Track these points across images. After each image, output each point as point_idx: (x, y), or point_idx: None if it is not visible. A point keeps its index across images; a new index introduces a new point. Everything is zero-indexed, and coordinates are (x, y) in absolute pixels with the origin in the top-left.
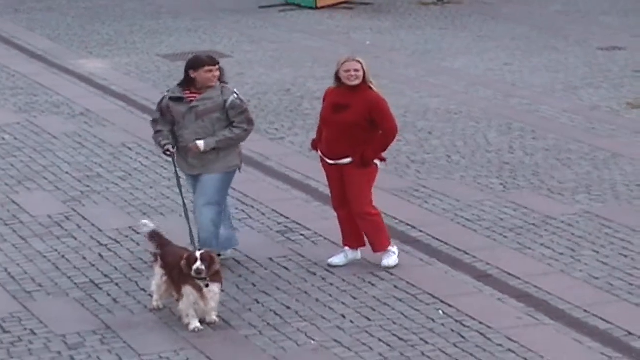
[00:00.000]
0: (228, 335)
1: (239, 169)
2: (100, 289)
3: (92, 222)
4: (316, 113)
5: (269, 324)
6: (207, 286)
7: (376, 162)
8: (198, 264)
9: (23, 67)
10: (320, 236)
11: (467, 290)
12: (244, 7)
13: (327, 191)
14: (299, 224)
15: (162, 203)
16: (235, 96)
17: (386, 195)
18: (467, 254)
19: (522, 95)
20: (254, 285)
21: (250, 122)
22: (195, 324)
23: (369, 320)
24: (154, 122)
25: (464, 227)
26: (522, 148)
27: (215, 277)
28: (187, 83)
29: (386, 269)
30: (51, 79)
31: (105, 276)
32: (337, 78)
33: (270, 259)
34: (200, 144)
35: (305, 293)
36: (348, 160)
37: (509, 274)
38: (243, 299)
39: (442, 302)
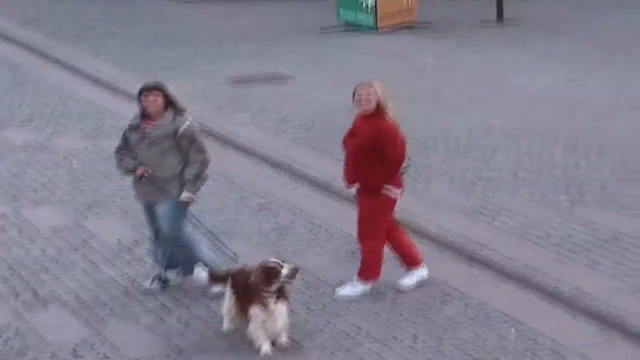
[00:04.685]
0: (300, 357)
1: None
2: (172, 312)
3: None
4: None
5: (340, 345)
6: (276, 303)
7: (391, 192)
8: (286, 270)
9: (89, 92)
10: (389, 256)
11: (539, 309)
12: (306, 30)
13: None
14: None
15: (230, 227)
16: (187, 124)
17: (453, 213)
18: (537, 271)
19: (585, 111)
20: (324, 306)
21: (201, 150)
22: (266, 347)
23: (441, 339)
24: (117, 150)
25: (533, 244)
26: (588, 164)
27: (282, 296)
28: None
29: (401, 288)
30: (117, 104)
31: (176, 299)
32: None
33: (340, 280)
34: (187, 195)
35: (376, 314)
36: (356, 186)
37: (580, 291)
38: (314, 321)
39: (513, 320)
